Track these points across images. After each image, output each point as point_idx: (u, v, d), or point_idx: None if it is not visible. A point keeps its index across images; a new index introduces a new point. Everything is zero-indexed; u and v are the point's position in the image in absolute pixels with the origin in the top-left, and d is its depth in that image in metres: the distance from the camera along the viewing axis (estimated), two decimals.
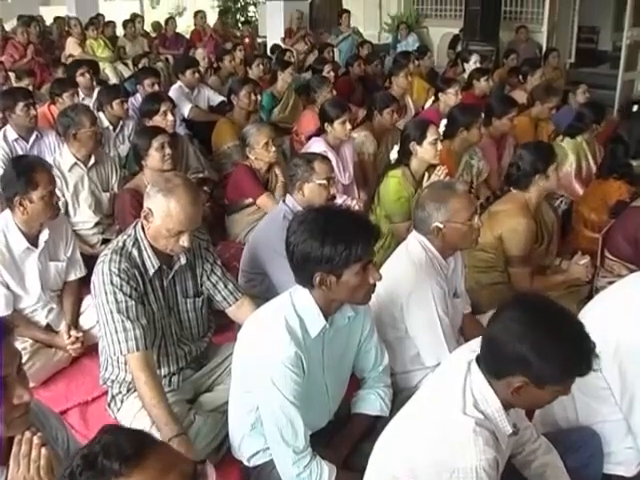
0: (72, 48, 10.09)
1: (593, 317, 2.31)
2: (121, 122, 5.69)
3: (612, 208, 3.95)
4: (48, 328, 3.52)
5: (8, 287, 3.36)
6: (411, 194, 4.18)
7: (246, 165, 4.51)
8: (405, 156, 4.29)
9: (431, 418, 1.92)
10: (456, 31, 12.05)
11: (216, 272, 2.91)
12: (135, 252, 2.69)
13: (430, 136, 4.18)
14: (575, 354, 1.76)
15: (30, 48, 9.57)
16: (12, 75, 7.64)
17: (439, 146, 4.22)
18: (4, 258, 3.34)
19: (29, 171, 3.30)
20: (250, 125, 4.69)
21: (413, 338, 2.82)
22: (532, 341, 1.75)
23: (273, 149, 4.40)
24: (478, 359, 1.93)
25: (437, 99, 6.26)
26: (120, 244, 2.70)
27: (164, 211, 2.59)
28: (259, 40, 12.58)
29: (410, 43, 11.76)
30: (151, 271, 2.71)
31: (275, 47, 9.95)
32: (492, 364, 1.88)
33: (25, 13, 12.78)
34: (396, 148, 4.41)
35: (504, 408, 1.88)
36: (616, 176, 4.27)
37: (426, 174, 4.24)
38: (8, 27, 11.70)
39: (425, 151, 4.19)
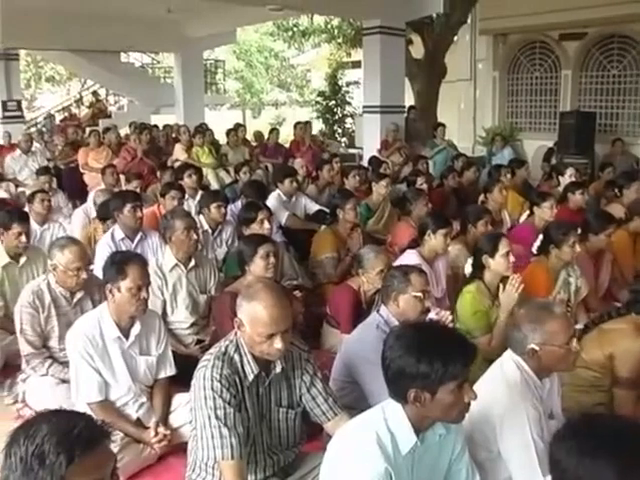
0: (179, 153, 10.62)
1: None
2: (220, 226, 5.89)
3: None
4: (138, 423, 3.58)
5: (100, 374, 3.47)
6: (488, 307, 4.22)
7: (352, 289, 4.50)
8: (478, 269, 4.35)
9: None
10: (550, 144, 12.12)
11: (316, 385, 2.86)
12: (237, 357, 2.71)
13: (502, 249, 4.27)
14: None
15: (139, 152, 10.14)
16: (122, 177, 8.15)
17: (512, 258, 4.27)
18: (97, 345, 3.46)
19: (122, 262, 3.50)
20: (368, 247, 4.66)
21: (506, 461, 2.72)
22: None
23: None
24: None
25: (532, 213, 6.24)
26: (222, 349, 2.73)
27: (250, 316, 2.63)
28: (355, 151, 12.91)
29: (505, 155, 11.83)
30: (250, 377, 2.71)
31: (371, 158, 10.14)
32: None
33: (138, 120, 13.74)
34: (470, 261, 4.49)
35: None
36: None
37: (501, 285, 4.26)
38: (123, 132, 12.58)
39: (497, 264, 4.27)
